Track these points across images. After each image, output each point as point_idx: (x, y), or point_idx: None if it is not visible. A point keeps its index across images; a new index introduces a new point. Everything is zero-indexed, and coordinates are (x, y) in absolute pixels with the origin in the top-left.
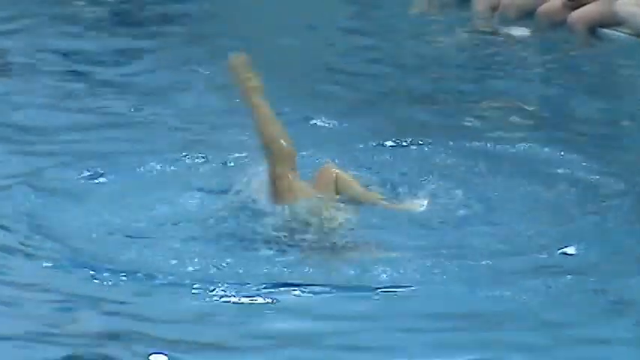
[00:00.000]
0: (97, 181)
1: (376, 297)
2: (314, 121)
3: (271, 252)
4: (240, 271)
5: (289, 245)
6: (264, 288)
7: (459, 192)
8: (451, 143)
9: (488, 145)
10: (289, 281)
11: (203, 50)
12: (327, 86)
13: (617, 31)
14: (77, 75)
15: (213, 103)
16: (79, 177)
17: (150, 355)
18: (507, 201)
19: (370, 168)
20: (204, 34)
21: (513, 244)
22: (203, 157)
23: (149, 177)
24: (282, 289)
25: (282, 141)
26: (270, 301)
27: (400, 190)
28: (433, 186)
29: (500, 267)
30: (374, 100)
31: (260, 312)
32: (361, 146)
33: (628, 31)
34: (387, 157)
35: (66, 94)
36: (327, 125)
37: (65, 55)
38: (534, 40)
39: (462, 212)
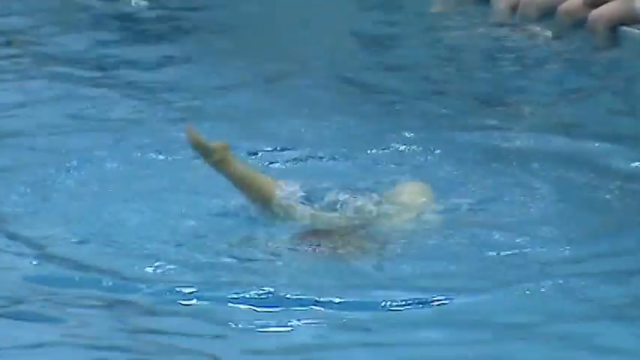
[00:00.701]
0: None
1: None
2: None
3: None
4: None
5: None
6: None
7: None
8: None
9: (505, 143)
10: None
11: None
12: (341, 83)
13: (638, 29)
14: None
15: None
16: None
17: None
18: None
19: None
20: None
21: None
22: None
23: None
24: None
25: (267, 188)
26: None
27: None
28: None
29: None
30: (394, 99)
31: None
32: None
33: None
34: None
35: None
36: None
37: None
38: (555, 38)
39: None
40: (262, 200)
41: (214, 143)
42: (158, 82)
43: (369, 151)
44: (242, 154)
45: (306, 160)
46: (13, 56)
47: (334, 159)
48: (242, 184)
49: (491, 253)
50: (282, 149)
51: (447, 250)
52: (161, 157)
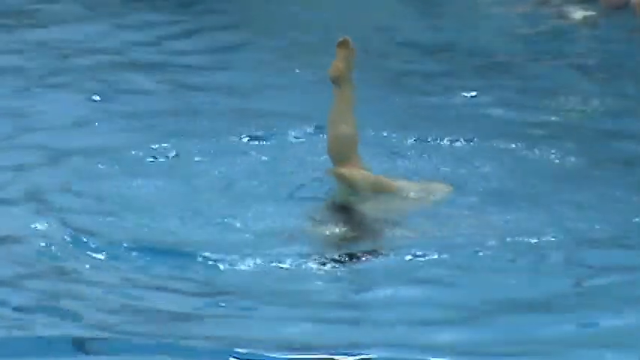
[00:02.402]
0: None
1: None
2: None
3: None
4: None
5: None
6: None
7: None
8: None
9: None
10: None
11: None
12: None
13: None
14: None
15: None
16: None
17: None
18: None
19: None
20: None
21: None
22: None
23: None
24: None
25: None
26: None
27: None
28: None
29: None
30: (421, 82)
31: None
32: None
33: None
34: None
35: None
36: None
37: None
38: (597, 22)
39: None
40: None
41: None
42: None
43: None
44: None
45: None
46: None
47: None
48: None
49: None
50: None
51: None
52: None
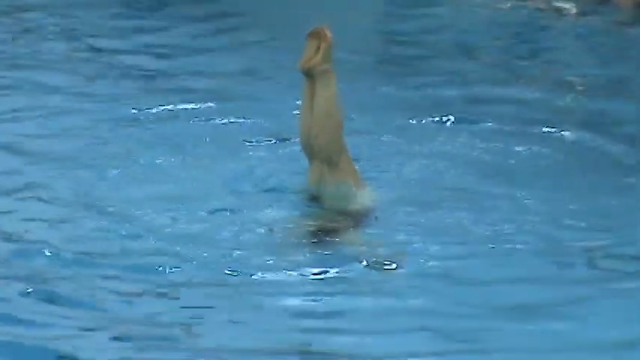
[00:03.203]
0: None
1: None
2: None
3: None
4: None
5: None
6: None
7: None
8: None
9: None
10: None
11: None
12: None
13: None
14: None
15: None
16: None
17: None
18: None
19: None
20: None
21: None
22: None
23: None
24: None
25: None
26: None
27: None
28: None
29: None
30: (407, 72)
31: None
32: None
33: None
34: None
35: None
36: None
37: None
38: (580, 13)
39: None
40: None
41: None
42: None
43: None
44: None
45: None
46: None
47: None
48: None
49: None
50: None
51: None
52: None
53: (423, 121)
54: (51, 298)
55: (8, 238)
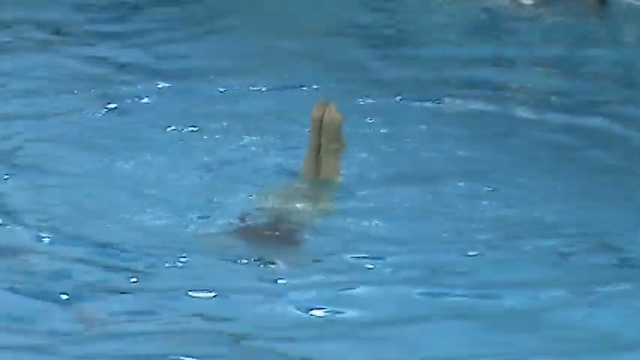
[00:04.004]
0: None
1: None
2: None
3: None
4: None
5: None
6: None
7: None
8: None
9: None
10: None
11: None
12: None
13: None
14: None
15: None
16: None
17: None
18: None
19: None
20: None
21: None
22: None
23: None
24: None
25: None
26: None
27: None
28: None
29: None
30: (377, 66)
31: None
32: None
33: None
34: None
35: None
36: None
37: None
38: (543, 7)
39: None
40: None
41: None
42: None
43: None
44: None
45: None
46: None
47: None
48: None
49: None
50: None
51: None
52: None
53: (402, 101)
54: None
55: None
